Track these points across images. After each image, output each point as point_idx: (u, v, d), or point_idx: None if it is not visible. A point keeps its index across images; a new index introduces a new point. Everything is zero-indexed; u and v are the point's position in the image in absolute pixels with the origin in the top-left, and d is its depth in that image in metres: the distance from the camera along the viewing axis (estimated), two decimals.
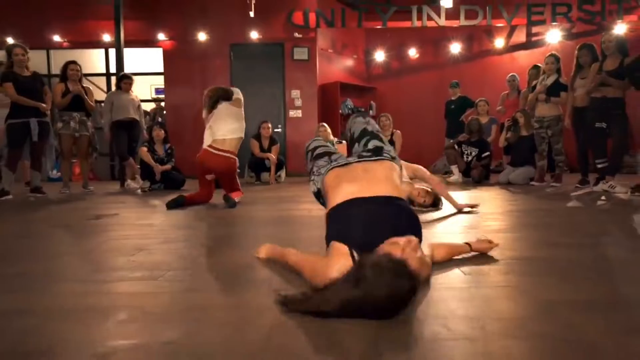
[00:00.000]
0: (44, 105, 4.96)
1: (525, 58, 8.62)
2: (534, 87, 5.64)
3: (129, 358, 1.01)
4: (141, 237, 2.52)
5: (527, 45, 8.77)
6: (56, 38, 8.16)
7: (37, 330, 1.17)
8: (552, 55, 5.49)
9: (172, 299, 1.43)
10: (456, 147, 6.37)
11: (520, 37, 8.83)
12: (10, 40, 8.07)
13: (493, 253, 1.92)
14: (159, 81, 8.78)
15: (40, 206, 4.19)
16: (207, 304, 1.38)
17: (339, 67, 8.95)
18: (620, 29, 7.89)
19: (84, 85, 5.58)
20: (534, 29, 8.62)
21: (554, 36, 8.39)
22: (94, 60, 8.56)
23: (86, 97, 5.43)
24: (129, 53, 7.84)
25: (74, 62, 5.49)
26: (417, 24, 8.08)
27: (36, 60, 7.89)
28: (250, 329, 1.16)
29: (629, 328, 1.13)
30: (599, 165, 4.72)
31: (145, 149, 5.76)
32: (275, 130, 7.98)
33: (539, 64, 5.95)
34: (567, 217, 3.15)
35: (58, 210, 3.99)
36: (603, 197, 4.13)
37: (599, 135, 4.62)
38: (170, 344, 1.07)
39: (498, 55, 8.92)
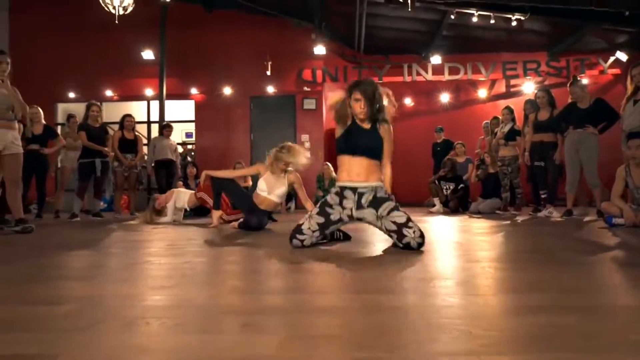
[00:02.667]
0: (105, 149, 6.44)
1: (505, 105, 9.90)
2: (495, 133, 6.91)
3: None
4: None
5: (507, 95, 10.10)
6: (108, 92, 9.86)
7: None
8: (507, 108, 6.77)
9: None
10: (436, 182, 7.61)
11: (500, 88, 10.18)
12: (71, 95, 9.85)
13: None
14: (188, 127, 10.36)
15: (103, 225, 5.57)
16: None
17: None
18: (584, 81, 9.20)
19: (136, 133, 7.09)
20: (512, 82, 9.97)
21: (529, 87, 9.71)
22: (137, 111, 10.20)
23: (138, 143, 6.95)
24: (167, 104, 9.45)
25: (129, 115, 7.03)
26: (407, 78, 9.54)
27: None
28: None
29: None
30: (542, 195, 5.90)
31: (181, 183, 7.17)
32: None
33: (498, 116, 7.24)
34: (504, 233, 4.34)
35: (118, 228, 5.36)
36: (537, 220, 5.28)
37: (539, 172, 5.83)
38: None
39: (482, 103, 10.25)
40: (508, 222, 5.07)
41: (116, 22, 5.93)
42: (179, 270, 2.08)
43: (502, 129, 6.71)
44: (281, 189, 4.42)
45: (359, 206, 2.70)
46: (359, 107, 2.68)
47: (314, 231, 2.73)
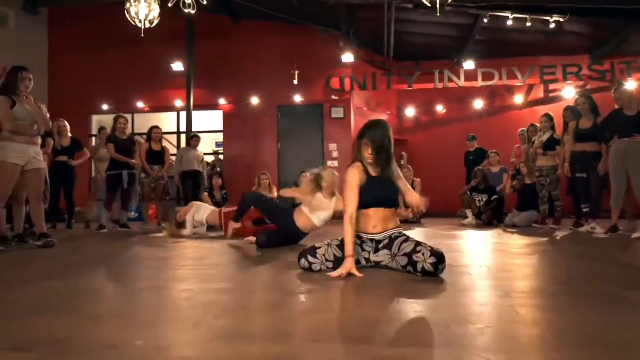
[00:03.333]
0: (132, 160, 6.48)
1: (544, 112, 9.36)
2: (533, 142, 6.51)
3: None
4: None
5: (545, 100, 9.60)
6: (139, 104, 10.02)
7: None
8: (545, 115, 6.37)
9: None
10: (468, 193, 7.26)
11: (538, 93, 9.69)
12: (104, 107, 10.07)
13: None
14: (219, 136, 10.41)
15: (127, 237, 5.57)
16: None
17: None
18: (630, 85, 8.62)
19: (163, 145, 7.12)
20: (551, 86, 9.47)
21: (569, 92, 9.19)
22: (167, 121, 10.33)
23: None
24: (196, 115, 9.52)
25: (157, 127, 7.07)
26: (439, 85, 9.23)
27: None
28: None
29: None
30: (584, 209, 5.49)
31: (206, 194, 7.13)
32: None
33: (536, 123, 6.84)
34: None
35: (140, 243, 5.34)
36: (577, 237, 4.89)
37: (581, 184, 5.42)
38: None
39: (518, 110, 9.78)
40: (546, 238, 4.71)
41: (142, 35, 5.95)
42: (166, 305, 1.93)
43: (540, 137, 6.32)
44: (324, 213, 4.13)
45: (376, 250, 2.67)
46: (367, 153, 2.66)
47: (327, 260, 2.61)
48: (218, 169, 10.25)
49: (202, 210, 5.54)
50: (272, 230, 4.32)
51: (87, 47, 9.99)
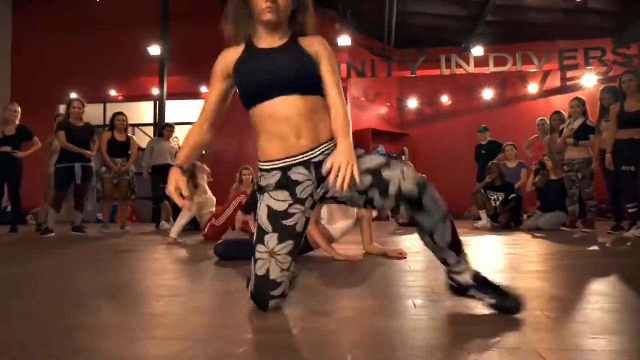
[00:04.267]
0: (88, 152, 5.47)
1: (560, 102, 8.49)
2: (561, 131, 5.55)
3: None
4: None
5: (562, 89, 8.67)
6: (112, 92, 9.02)
7: None
8: (577, 99, 5.42)
9: None
10: (482, 191, 6.29)
11: (554, 81, 8.76)
12: (73, 95, 9.05)
13: None
14: None
15: (77, 242, 4.56)
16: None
17: (372, 114, 9.20)
18: None
19: (129, 134, 6.12)
20: (569, 74, 8.54)
21: (589, 80, 8.25)
22: (144, 112, 9.33)
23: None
24: (173, 104, 8.52)
25: (120, 113, 6.07)
26: (445, 72, 8.26)
27: (94, 113, 8.79)
28: None
29: None
30: (630, 210, 4.52)
31: None
32: None
33: (561, 110, 5.89)
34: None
35: (93, 245, 4.33)
36: (628, 243, 3.93)
37: (627, 179, 4.46)
38: None
39: (532, 99, 8.85)
40: (580, 248, 3.71)
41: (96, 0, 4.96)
42: None
43: (571, 124, 5.35)
44: (345, 223, 3.08)
45: (320, 179, 1.53)
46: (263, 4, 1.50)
47: (282, 270, 1.51)
48: (198, 164, 9.25)
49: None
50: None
51: (54, 30, 8.99)
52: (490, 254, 3.40)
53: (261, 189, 1.58)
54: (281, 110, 1.52)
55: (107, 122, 8.90)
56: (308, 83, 1.54)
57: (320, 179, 1.53)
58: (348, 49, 8.45)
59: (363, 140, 8.76)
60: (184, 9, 8.36)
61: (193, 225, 6.04)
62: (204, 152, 8.74)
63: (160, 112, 7.59)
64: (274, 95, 1.52)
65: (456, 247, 1.48)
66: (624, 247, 3.69)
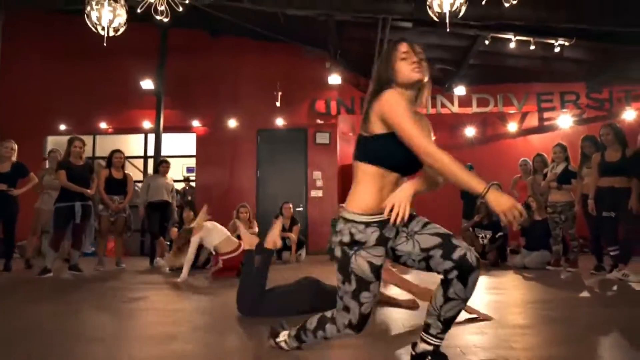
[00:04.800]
0: (88, 191, 5.49)
1: (538, 141, 8.98)
2: (545, 174, 5.90)
3: None
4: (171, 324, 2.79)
5: (540, 129, 9.13)
6: (102, 125, 9.01)
7: None
8: (559, 145, 5.78)
9: None
10: (470, 229, 6.57)
11: (532, 121, 9.22)
12: (62, 127, 9.01)
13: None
14: (190, 161, 9.47)
15: (77, 286, 4.55)
16: None
17: None
18: (629, 115, 8.26)
19: (126, 172, 6.17)
20: (546, 114, 9.03)
21: (565, 121, 8.76)
22: (133, 144, 9.34)
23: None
24: (166, 138, 8.57)
25: (118, 151, 6.14)
26: (431, 111, 8.64)
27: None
28: None
29: None
30: (611, 253, 4.84)
31: (175, 229, 6.17)
32: (298, 209, 8.34)
33: (542, 153, 6.27)
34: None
35: (94, 290, 4.33)
36: (614, 288, 4.21)
37: (608, 224, 4.79)
38: None
39: (512, 138, 9.28)
40: (568, 293, 3.96)
41: (104, 44, 5.07)
42: None
43: (554, 169, 5.70)
44: None
45: (397, 233, 1.75)
46: (410, 62, 1.73)
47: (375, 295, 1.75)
48: (189, 198, 9.27)
49: (213, 235, 4.81)
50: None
51: (45, 58, 8.96)
52: (477, 303, 3.58)
53: (355, 244, 1.68)
54: (397, 179, 1.74)
55: (97, 154, 9.02)
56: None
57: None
58: (338, 87, 8.75)
59: (351, 174, 8.93)
60: (176, 43, 8.51)
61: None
62: (190, 198, 8.81)
63: (157, 145, 7.60)
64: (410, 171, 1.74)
65: (448, 324, 1.74)
66: (611, 294, 3.95)
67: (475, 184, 1.56)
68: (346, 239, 1.69)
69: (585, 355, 2.10)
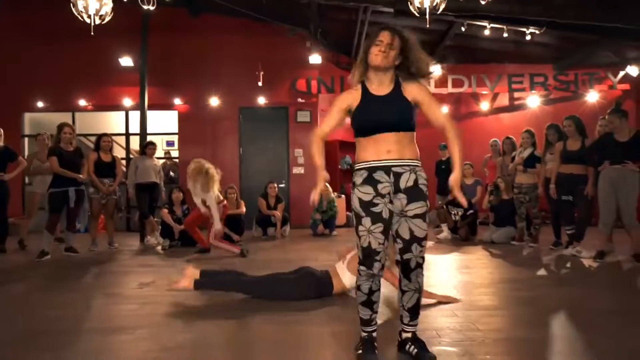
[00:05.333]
0: (80, 176, 5.64)
1: (509, 120, 9.49)
2: (513, 158, 6.38)
3: None
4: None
5: (510, 108, 9.62)
6: (82, 102, 8.95)
7: None
8: (527, 131, 6.23)
9: None
10: (444, 207, 7.07)
11: (504, 100, 9.68)
12: (40, 104, 8.92)
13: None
14: (170, 136, 9.59)
15: (79, 269, 4.81)
16: None
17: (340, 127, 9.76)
18: (592, 96, 8.81)
19: (114, 155, 6.31)
20: (516, 94, 9.49)
21: (534, 101, 9.26)
22: (114, 122, 9.35)
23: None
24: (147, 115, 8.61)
25: (106, 135, 6.26)
26: None
27: (61, 122, 8.70)
28: None
29: None
30: (568, 232, 5.40)
31: (166, 210, 6.42)
32: (280, 185, 8.66)
33: (511, 136, 6.75)
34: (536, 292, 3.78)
35: (98, 275, 4.61)
36: (568, 265, 4.77)
37: (566, 207, 5.33)
38: None
39: (484, 116, 9.74)
40: (530, 269, 4.49)
41: (92, 33, 5.12)
42: None
43: (521, 153, 6.18)
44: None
45: (397, 189, 2.07)
46: (378, 50, 2.06)
47: (379, 243, 2.07)
48: (172, 174, 9.46)
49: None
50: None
51: (21, 34, 8.74)
52: (447, 282, 4.06)
53: (354, 185, 2.11)
54: (380, 140, 2.08)
55: (77, 131, 8.98)
56: (404, 125, 2.09)
57: (397, 187, 2.05)
58: (318, 66, 8.93)
59: (331, 151, 9.32)
60: (157, 20, 8.43)
61: (180, 242, 6.36)
62: (173, 174, 8.98)
63: (142, 123, 7.65)
64: (378, 132, 2.07)
65: (413, 313, 2.17)
66: (566, 272, 4.50)
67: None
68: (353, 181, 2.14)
69: (545, 336, 2.55)
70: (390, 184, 2.06)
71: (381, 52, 2.05)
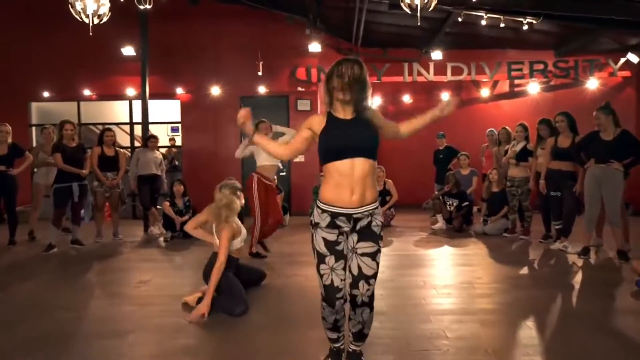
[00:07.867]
0: (83, 171, 5.86)
1: (509, 106, 9.50)
2: (506, 150, 6.46)
3: None
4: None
5: (510, 95, 9.61)
6: (86, 92, 9.11)
7: None
8: (521, 124, 6.28)
9: None
10: (440, 198, 7.21)
11: (504, 87, 9.66)
12: (46, 94, 9.09)
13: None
14: (175, 124, 9.76)
15: (84, 264, 5.07)
16: None
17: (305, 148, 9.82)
18: (592, 83, 8.76)
19: (117, 148, 6.50)
20: (516, 82, 9.46)
21: (534, 88, 9.23)
22: (118, 111, 9.51)
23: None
24: (150, 104, 8.75)
25: (109, 129, 6.45)
26: (408, 79, 8.99)
27: (67, 111, 8.89)
28: None
29: None
30: (556, 227, 5.54)
31: (167, 203, 6.64)
32: (281, 174, 8.81)
33: (507, 127, 6.81)
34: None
35: (103, 272, 4.87)
36: (552, 262, 4.93)
37: (555, 202, 5.44)
38: None
39: (484, 103, 9.74)
40: (516, 260, 4.67)
41: (90, 33, 5.23)
42: None
43: (514, 146, 6.27)
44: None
45: (352, 230, 2.18)
46: (337, 89, 2.12)
47: (341, 280, 2.18)
48: (176, 163, 9.67)
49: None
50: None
51: (27, 25, 8.85)
52: (442, 280, 4.24)
53: (316, 225, 2.18)
54: (345, 175, 2.10)
55: (82, 120, 9.21)
56: (372, 148, 2.14)
57: (354, 228, 2.15)
58: (318, 54, 8.93)
59: None
60: (156, 9, 8.47)
61: (182, 233, 6.59)
62: (177, 163, 9.16)
63: (144, 112, 7.79)
64: (345, 157, 2.09)
65: (358, 338, 2.29)
66: (548, 270, 4.66)
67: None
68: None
69: (509, 344, 2.74)
70: (349, 227, 2.17)
71: (341, 88, 2.11)
